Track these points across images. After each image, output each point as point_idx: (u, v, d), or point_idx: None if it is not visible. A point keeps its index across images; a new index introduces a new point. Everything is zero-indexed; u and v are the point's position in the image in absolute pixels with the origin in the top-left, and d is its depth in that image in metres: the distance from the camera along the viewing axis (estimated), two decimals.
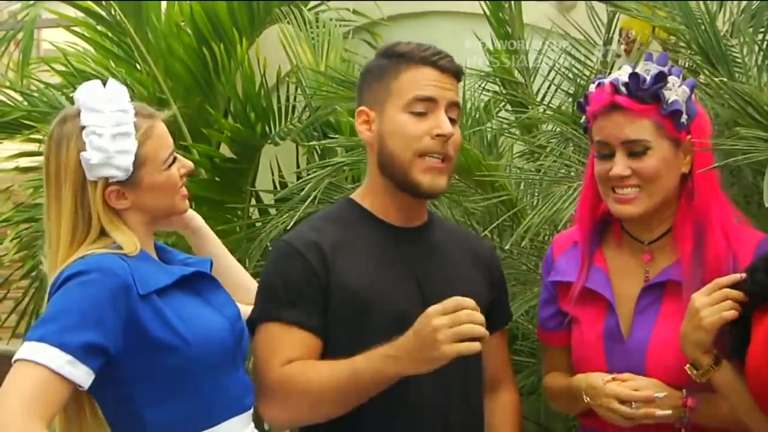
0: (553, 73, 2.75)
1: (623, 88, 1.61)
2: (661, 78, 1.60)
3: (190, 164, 1.63)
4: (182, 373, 1.54)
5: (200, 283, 1.61)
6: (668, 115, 1.60)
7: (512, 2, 2.72)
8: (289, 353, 1.65)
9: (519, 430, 1.83)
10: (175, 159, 1.61)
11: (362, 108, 1.67)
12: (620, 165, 1.60)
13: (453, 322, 1.50)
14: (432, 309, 1.51)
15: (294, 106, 3.39)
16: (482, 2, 2.79)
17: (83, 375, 1.45)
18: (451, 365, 1.56)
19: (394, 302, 1.66)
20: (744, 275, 1.53)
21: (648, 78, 1.60)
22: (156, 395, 1.54)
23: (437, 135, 1.59)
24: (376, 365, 1.58)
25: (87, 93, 1.59)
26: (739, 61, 2.28)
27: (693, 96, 1.66)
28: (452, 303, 1.50)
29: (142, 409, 1.54)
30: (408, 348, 1.55)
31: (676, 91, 1.62)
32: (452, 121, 1.65)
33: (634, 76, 1.61)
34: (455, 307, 1.50)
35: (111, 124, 1.53)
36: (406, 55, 1.65)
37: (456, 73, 1.69)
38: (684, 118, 1.61)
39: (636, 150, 1.61)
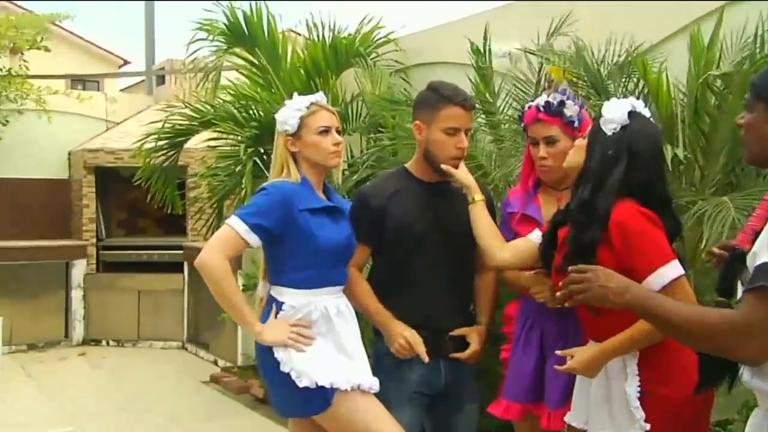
0: (509, 98, 3.28)
1: (542, 108, 2.00)
2: (561, 104, 1.99)
3: (340, 139, 2.04)
4: (312, 254, 1.96)
5: (336, 212, 2.04)
6: (567, 123, 2.00)
7: (487, 57, 3.34)
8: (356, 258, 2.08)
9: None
10: (328, 132, 2.00)
11: (417, 122, 2.10)
12: (542, 151, 2.02)
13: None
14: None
15: (360, 114, 4.20)
16: (471, 58, 3.37)
17: (253, 239, 1.89)
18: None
19: (422, 226, 2.08)
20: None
21: (555, 103, 1.99)
22: (296, 263, 1.96)
23: (459, 147, 2.03)
24: None
25: (302, 97, 2.03)
26: (612, 92, 2.73)
27: (582, 111, 2.01)
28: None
29: (288, 270, 1.98)
30: None
31: (571, 109, 1.99)
32: (466, 132, 2.02)
33: (547, 102, 2.00)
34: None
35: (295, 108, 2.04)
36: (447, 98, 2.01)
37: (472, 107, 2.05)
38: (576, 124, 1.99)
39: (550, 142, 2.00)
